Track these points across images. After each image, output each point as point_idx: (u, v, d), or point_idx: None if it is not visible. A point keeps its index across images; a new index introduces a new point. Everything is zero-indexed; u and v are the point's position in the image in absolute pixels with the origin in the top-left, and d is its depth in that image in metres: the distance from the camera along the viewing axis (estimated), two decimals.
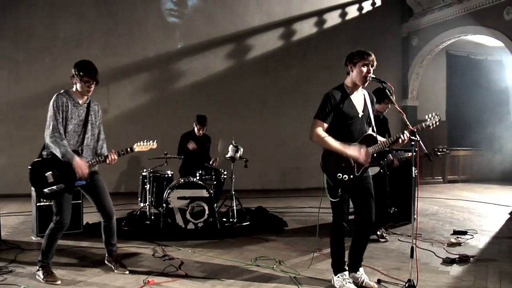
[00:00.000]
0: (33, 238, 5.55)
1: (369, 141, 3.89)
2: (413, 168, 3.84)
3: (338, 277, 3.95)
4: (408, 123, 3.83)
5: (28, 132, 8.34)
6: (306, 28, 10.72)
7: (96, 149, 4.23)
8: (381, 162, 4.24)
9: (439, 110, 12.18)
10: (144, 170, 6.64)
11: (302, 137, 11.15)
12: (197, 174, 6.34)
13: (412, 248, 3.84)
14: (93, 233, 5.77)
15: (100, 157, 4.10)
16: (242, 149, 6.83)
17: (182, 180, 6.18)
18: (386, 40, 11.42)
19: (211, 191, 6.15)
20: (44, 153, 3.97)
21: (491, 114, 11.81)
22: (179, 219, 5.96)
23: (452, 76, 11.90)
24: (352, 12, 11.11)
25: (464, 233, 6.10)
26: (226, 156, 6.83)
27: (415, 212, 3.82)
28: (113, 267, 4.28)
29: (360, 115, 3.89)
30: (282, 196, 9.55)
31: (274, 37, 10.45)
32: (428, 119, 3.87)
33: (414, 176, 3.85)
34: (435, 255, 5.13)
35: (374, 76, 3.82)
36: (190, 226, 5.99)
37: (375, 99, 4.11)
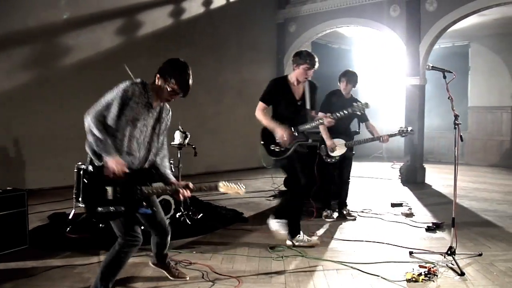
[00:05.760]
0: None
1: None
2: (454, 148, 4.19)
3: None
4: (454, 109, 4.15)
5: None
6: (194, 8, 10.21)
7: (157, 167, 3.27)
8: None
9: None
10: (84, 164, 5.52)
11: (191, 121, 10.77)
12: None
13: (453, 219, 4.21)
14: (43, 245, 4.67)
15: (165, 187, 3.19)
16: (189, 135, 6.28)
17: None
18: (263, 25, 11.69)
19: None
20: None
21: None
22: None
23: None
24: None
25: (400, 204, 6.81)
26: (173, 143, 6.18)
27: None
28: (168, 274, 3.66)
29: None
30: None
31: (164, 14, 9.67)
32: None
33: (455, 155, 4.21)
34: (409, 225, 5.66)
35: (432, 65, 4.08)
36: None
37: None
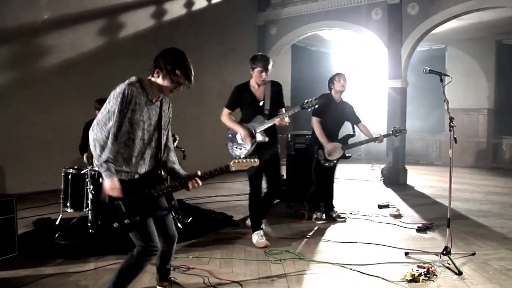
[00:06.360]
0: None
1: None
2: (450, 150, 4.26)
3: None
4: (449, 111, 4.23)
5: None
6: (176, 9, 10.12)
7: (165, 164, 3.17)
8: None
9: (285, 96, 13.16)
10: (72, 168, 5.41)
11: (172, 123, 10.58)
12: None
13: (448, 220, 4.28)
14: (32, 252, 4.51)
15: (174, 182, 3.04)
16: (178, 138, 6.20)
17: None
18: (244, 27, 11.67)
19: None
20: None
21: None
22: None
23: (294, 64, 12.98)
24: None
25: (386, 206, 6.89)
26: None
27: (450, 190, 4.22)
28: None
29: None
30: None
31: (146, 15, 9.54)
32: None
33: (450, 157, 4.28)
34: (399, 226, 5.73)
35: (430, 69, 4.16)
36: None
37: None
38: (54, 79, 7.96)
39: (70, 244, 4.79)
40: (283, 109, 4.97)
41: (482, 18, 9.49)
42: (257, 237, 4.88)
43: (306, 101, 4.72)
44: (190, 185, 3.02)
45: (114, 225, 2.83)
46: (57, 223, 5.38)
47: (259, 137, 4.77)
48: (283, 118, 4.70)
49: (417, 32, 8.63)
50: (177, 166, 3.20)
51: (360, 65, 13.77)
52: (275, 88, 4.97)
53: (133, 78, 2.95)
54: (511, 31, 10.86)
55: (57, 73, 8.02)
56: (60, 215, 5.44)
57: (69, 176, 5.35)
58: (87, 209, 5.21)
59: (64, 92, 8.05)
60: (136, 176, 2.97)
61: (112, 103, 2.85)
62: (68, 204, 5.36)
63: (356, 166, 12.38)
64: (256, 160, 3.08)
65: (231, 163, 3.05)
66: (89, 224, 5.11)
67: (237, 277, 3.87)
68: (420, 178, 9.87)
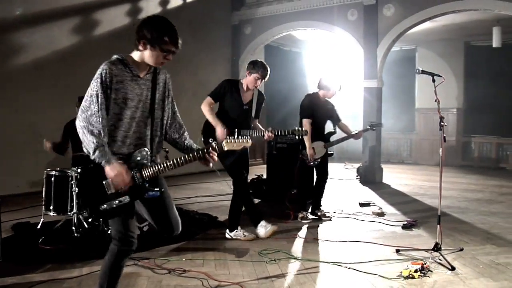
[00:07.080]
0: None
1: None
2: (440, 149, 4.37)
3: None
4: (439, 111, 4.33)
5: None
6: (151, 7, 9.95)
7: (176, 141, 3.04)
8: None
9: None
10: (55, 170, 5.22)
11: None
12: None
13: (439, 217, 4.39)
14: (16, 258, 4.33)
15: (192, 154, 2.83)
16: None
17: None
18: (219, 27, 11.61)
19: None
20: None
21: (296, 100, 13.36)
22: None
23: (268, 64, 12.89)
24: None
25: (368, 204, 6.99)
26: None
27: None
28: None
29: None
30: None
31: (121, 13, 9.34)
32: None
33: (440, 155, 4.39)
34: (385, 224, 5.83)
35: (422, 69, 4.26)
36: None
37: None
38: (27, 78, 7.68)
39: (56, 249, 4.63)
40: (257, 120, 5.13)
41: (455, 20, 9.77)
42: (263, 229, 5.01)
43: (297, 128, 4.99)
44: (209, 162, 2.88)
45: (102, 208, 2.67)
46: (38, 227, 5.19)
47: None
48: (272, 135, 4.85)
49: (393, 33, 8.82)
50: (188, 143, 3.05)
51: (333, 65, 13.89)
52: (260, 98, 5.14)
53: (113, 57, 2.78)
54: (480, 32, 11.23)
55: (29, 72, 7.74)
56: (42, 219, 5.25)
57: (52, 179, 5.16)
58: (72, 212, 5.04)
59: (37, 91, 7.79)
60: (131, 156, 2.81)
61: (92, 86, 2.69)
62: (51, 208, 5.16)
63: (329, 166, 12.49)
64: (249, 140, 2.90)
65: (224, 142, 2.87)
66: (73, 228, 4.98)
67: (235, 279, 3.83)
68: (394, 177, 10.08)
